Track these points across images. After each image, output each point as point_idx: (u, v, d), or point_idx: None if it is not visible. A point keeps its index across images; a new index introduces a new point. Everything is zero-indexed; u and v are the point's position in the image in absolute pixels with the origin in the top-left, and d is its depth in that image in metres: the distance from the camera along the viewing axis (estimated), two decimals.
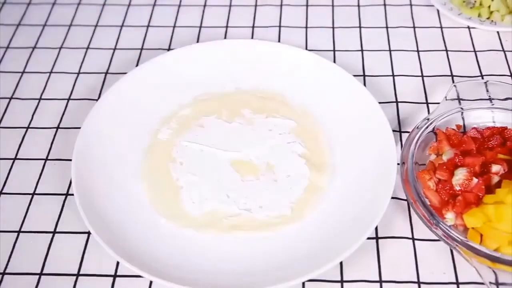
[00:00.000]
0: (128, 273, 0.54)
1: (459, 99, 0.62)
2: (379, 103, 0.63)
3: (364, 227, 0.53)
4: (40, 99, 0.71)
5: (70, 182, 0.61)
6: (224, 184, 0.60)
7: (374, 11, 0.81)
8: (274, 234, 0.56)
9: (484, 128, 0.60)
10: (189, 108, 0.67)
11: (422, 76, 0.71)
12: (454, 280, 0.53)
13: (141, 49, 0.77)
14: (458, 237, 0.51)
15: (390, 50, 0.75)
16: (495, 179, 0.55)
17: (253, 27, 0.80)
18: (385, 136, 0.60)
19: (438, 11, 0.80)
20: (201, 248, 0.56)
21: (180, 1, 0.85)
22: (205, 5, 0.84)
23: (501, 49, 0.74)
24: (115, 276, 0.54)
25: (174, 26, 0.81)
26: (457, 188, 0.54)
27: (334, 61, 0.73)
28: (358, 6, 0.82)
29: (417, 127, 0.60)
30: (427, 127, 0.60)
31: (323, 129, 0.65)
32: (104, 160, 0.61)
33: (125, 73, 0.69)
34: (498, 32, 0.76)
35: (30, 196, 0.61)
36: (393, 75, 0.72)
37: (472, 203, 0.53)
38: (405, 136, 0.64)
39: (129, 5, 0.85)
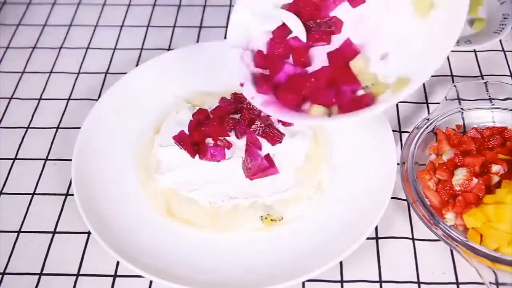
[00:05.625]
0: (128, 273, 0.54)
1: (459, 99, 0.62)
2: None
3: (364, 227, 0.53)
4: (40, 99, 0.71)
5: (70, 182, 0.61)
6: (225, 184, 0.60)
7: None
8: (274, 234, 0.57)
9: (484, 128, 0.60)
10: (189, 108, 0.67)
11: None
12: (454, 280, 0.53)
13: (141, 49, 0.77)
14: (458, 237, 0.51)
15: None
16: (495, 179, 0.55)
17: None
18: (385, 136, 0.60)
19: None
20: (201, 248, 0.56)
21: (180, 1, 0.85)
22: (205, 5, 0.84)
23: (501, 49, 0.74)
24: (115, 276, 0.54)
25: (174, 26, 0.81)
26: (457, 188, 0.54)
27: None
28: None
29: (417, 127, 0.60)
30: (427, 127, 0.60)
31: (323, 129, 0.65)
32: (104, 160, 0.61)
33: (125, 73, 0.69)
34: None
35: (30, 196, 0.61)
36: None
37: (472, 203, 0.53)
38: (405, 136, 0.64)
39: (129, 5, 0.85)
